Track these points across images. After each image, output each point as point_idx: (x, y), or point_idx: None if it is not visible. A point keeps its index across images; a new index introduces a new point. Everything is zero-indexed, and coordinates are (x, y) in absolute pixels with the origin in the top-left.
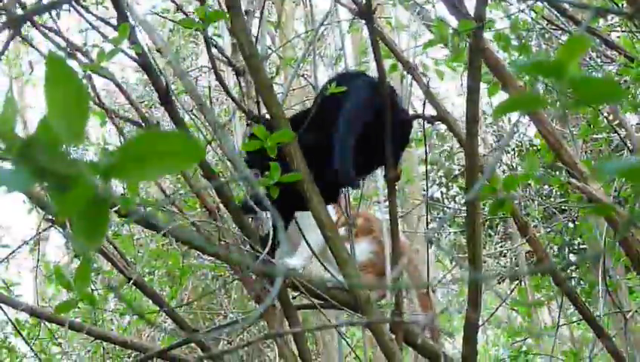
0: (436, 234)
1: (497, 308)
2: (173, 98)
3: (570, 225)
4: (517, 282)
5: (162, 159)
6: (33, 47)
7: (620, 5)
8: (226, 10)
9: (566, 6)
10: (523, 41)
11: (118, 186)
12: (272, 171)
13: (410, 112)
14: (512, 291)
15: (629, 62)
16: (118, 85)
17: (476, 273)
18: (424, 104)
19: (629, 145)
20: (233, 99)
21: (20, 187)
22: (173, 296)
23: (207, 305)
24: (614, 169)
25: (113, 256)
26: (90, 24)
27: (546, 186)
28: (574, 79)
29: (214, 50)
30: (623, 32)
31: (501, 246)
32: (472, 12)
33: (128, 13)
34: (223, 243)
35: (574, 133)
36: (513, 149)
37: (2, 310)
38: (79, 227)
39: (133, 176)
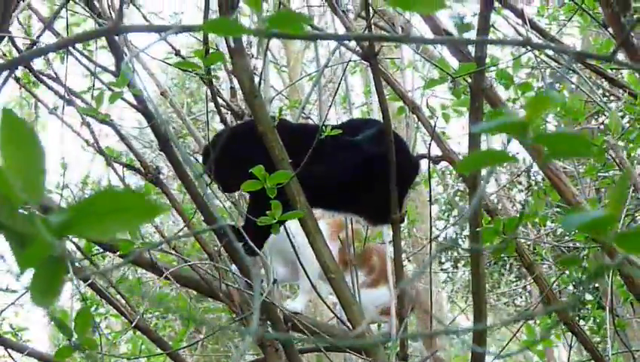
0: (449, 274)
1: (505, 347)
2: (174, 143)
3: (584, 264)
4: (526, 319)
5: (121, 216)
6: (29, 91)
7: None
8: (226, 53)
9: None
10: (523, 79)
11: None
12: (273, 208)
13: (417, 153)
14: (518, 330)
15: (633, 99)
16: (116, 131)
17: (479, 325)
18: (430, 144)
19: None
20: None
21: None
22: (180, 339)
23: (222, 348)
24: (577, 222)
25: (117, 300)
26: (90, 70)
27: (558, 224)
28: (540, 136)
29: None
30: (628, 68)
31: (515, 285)
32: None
33: (127, 59)
34: (224, 286)
35: (581, 171)
36: (527, 188)
37: (9, 355)
38: (35, 283)
39: (88, 233)
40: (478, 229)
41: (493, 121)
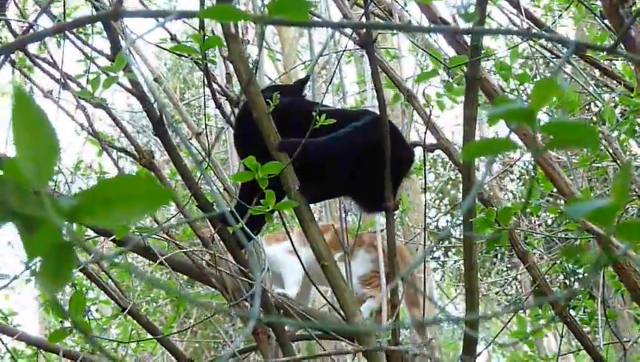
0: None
1: (495, 338)
2: (173, 127)
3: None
4: (517, 310)
5: (128, 203)
6: (25, 75)
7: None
8: (223, 38)
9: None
10: (523, 69)
11: None
12: (267, 198)
13: (412, 140)
14: (509, 320)
15: (628, 91)
16: (111, 115)
17: (472, 314)
18: (425, 132)
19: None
20: (232, 126)
21: None
22: (170, 325)
23: (213, 334)
24: (582, 211)
25: (108, 285)
26: (86, 55)
27: (550, 214)
28: (547, 125)
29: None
30: (623, 60)
31: (507, 275)
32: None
33: (123, 43)
34: (217, 272)
35: (574, 162)
36: (518, 178)
37: (0, 339)
38: (45, 268)
39: (99, 219)
40: (472, 220)
41: (501, 108)
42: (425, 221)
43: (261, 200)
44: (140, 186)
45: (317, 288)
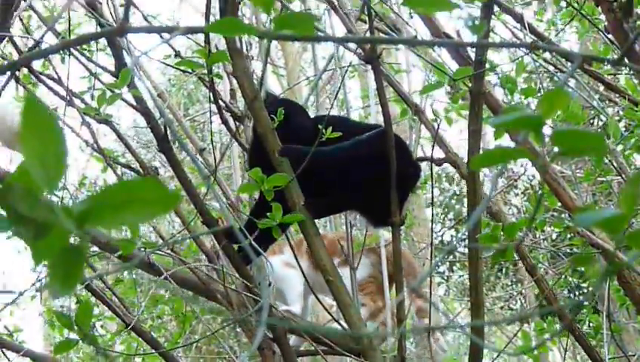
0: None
1: (501, 352)
2: (175, 142)
3: (579, 269)
4: (521, 326)
5: (137, 206)
6: (29, 92)
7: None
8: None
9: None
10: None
11: (120, 231)
12: (274, 211)
13: (419, 155)
14: (515, 335)
15: (632, 105)
16: (115, 131)
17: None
18: (432, 146)
19: None
20: (240, 143)
21: None
22: (176, 341)
23: (217, 350)
24: (592, 220)
25: (113, 302)
26: (90, 72)
27: (555, 229)
28: (555, 134)
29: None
30: (626, 74)
31: (511, 290)
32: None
33: (128, 59)
34: (223, 288)
35: (579, 176)
36: (523, 192)
37: (5, 355)
38: (53, 273)
39: (107, 223)
40: (478, 235)
41: (510, 116)
42: (432, 236)
43: (267, 214)
44: (147, 190)
45: (321, 303)
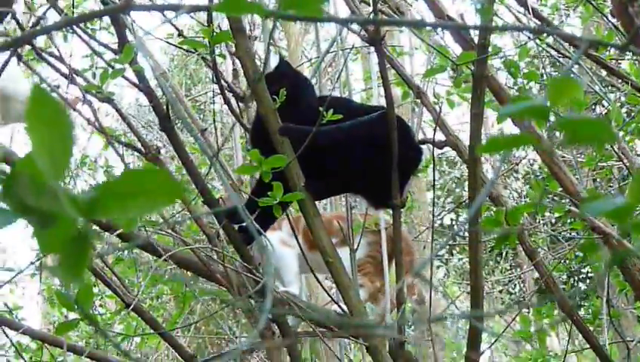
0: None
1: (497, 339)
2: (177, 122)
3: (579, 253)
4: (519, 311)
5: (143, 197)
6: (31, 69)
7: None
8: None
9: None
10: (531, 68)
11: None
12: (275, 190)
13: (420, 137)
14: (513, 319)
15: (635, 90)
16: (117, 110)
17: (476, 311)
18: (434, 129)
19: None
20: (242, 124)
21: (2, 223)
22: (175, 321)
23: (216, 330)
24: (599, 209)
25: (112, 281)
26: (93, 49)
27: (555, 213)
28: (561, 121)
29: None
30: (629, 59)
31: (510, 274)
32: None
33: (130, 37)
34: (223, 268)
35: (580, 161)
36: (523, 176)
37: (4, 333)
38: (61, 262)
39: (114, 214)
40: (479, 218)
41: (517, 104)
42: (434, 219)
43: (268, 193)
44: (154, 180)
45: (322, 285)
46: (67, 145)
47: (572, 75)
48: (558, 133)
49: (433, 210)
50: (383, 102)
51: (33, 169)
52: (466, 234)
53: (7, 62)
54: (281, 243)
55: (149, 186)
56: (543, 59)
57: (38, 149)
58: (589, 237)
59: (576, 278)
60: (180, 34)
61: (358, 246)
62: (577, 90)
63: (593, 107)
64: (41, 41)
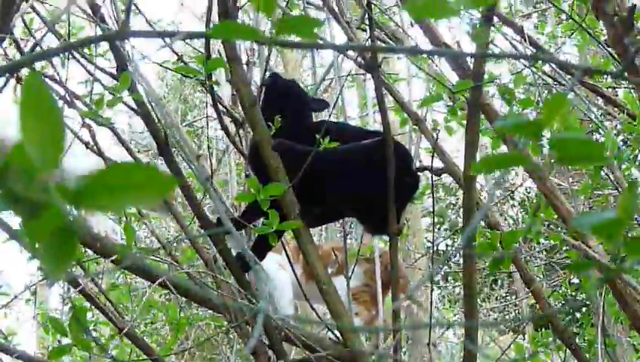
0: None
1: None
2: (179, 146)
3: (575, 280)
4: (516, 336)
5: (132, 190)
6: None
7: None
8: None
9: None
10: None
11: (117, 237)
12: (271, 218)
13: (418, 165)
14: (510, 345)
15: (630, 119)
16: (115, 133)
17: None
18: (432, 156)
19: None
20: (238, 149)
21: None
22: (170, 346)
23: (210, 356)
24: (589, 223)
25: (106, 307)
26: (91, 74)
27: (551, 241)
28: (554, 140)
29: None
30: (625, 87)
31: (506, 301)
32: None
33: (128, 64)
34: (219, 293)
35: (575, 188)
36: (519, 203)
37: None
38: (47, 253)
39: (102, 205)
40: (474, 243)
41: (510, 120)
42: (433, 245)
43: (264, 221)
44: (144, 173)
45: (316, 312)
46: (58, 136)
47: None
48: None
49: (433, 237)
50: (378, 128)
51: (23, 159)
52: (461, 261)
53: (5, 85)
54: (278, 267)
55: (139, 179)
56: (540, 87)
57: (28, 139)
58: (586, 263)
59: (571, 306)
60: (180, 59)
61: (351, 274)
62: (567, 108)
63: (590, 135)
64: (39, 65)
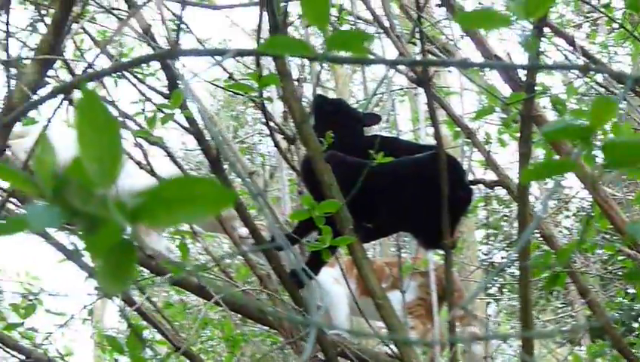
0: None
1: None
2: (233, 163)
3: (631, 290)
4: (573, 347)
5: (192, 203)
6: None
7: None
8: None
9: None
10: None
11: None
12: (324, 234)
13: (471, 178)
14: (567, 357)
15: None
16: (167, 152)
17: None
18: (485, 169)
19: None
20: (291, 166)
21: (49, 224)
22: None
23: None
24: None
25: (162, 325)
26: (142, 93)
27: (606, 252)
28: (605, 144)
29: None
30: None
31: (562, 312)
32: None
33: (180, 82)
34: (274, 310)
35: (630, 198)
36: (574, 214)
37: None
38: (105, 269)
39: (162, 220)
40: (528, 256)
41: (558, 124)
42: (488, 257)
43: (318, 237)
44: (203, 187)
45: (371, 327)
46: (116, 150)
47: (620, 110)
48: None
49: (488, 249)
50: (430, 142)
51: (81, 173)
52: (516, 272)
53: (58, 107)
54: (333, 281)
55: (198, 193)
56: (592, 98)
57: (86, 154)
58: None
59: (630, 316)
60: (230, 77)
61: (407, 288)
62: (615, 111)
63: None
64: (91, 86)
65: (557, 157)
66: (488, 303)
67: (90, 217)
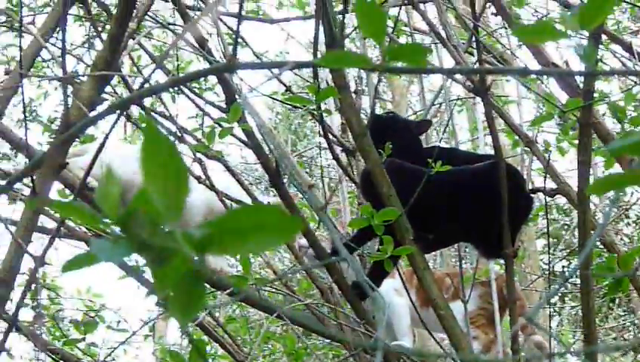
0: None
1: None
2: (292, 177)
3: None
4: (637, 355)
5: (260, 233)
6: (140, 129)
7: None
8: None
9: None
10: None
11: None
12: (385, 244)
13: (531, 186)
14: None
15: None
16: (226, 167)
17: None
18: (545, 178)
19: None
20: (351, 178)
21: (117, 258)
22: None
23: None
24: None
25: (224, 339)
26: (200, 108)
27: None
28: None
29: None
30: None
31: (624, 320)
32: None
33: (237, 96)
34: (336, 324)
35: None
36: (635, 221)
37: None
38: (175, 300)
39: (230, 250)
40: (591, 266)
41: (626, 140)
42: (549, 266)
43: (379, 247)
44: (270, 216)
45: (434, 338)
46: (181, 182)
47: None
48: None
49: (549, 259)
50: (489, 151)
51: (148, 206)
52: (578, 281)
53: (115, 122)
54: (394, 293)
55: (265, 221)
56: None
57: (151, 187)
58: None
59: None
60: (288, 89)
61: (468, 298)
62: None
63: None
64: (148, 102)
65: (617, 164)
66: (551, 315)
67: (158, 249)
